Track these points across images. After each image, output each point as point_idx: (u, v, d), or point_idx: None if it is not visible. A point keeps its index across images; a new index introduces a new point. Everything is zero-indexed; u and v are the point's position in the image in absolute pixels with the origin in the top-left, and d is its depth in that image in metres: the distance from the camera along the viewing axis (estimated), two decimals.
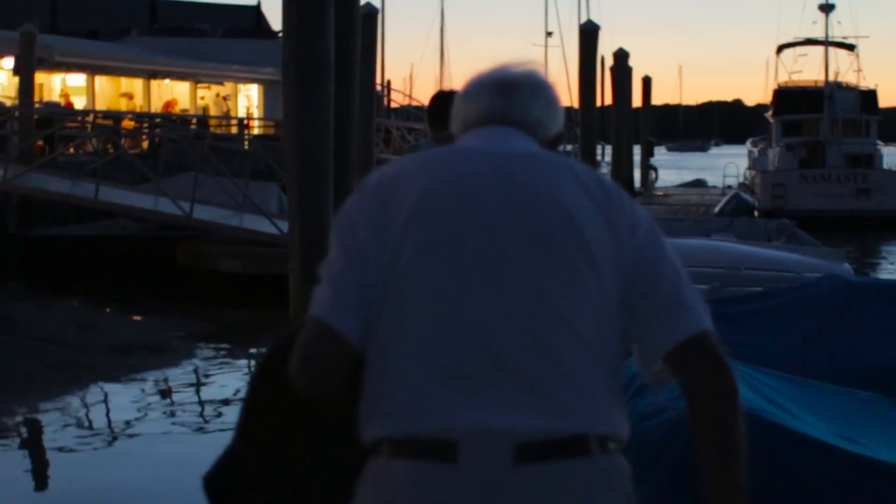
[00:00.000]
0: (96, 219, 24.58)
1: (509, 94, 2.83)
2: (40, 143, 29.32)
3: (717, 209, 21.86)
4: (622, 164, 38.84)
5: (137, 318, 18.90)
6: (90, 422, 11.78)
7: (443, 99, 5.81)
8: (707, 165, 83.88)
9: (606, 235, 2.63)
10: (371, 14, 24.02)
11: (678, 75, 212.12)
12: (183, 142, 27.29)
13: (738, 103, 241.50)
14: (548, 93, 2.88)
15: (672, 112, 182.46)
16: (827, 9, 43.84)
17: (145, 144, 33.78)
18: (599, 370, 2.59)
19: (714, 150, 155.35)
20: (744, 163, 53.66)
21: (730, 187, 46.28)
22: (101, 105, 40.41)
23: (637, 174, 44.98)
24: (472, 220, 2.62)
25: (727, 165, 49.73)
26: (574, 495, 2.50)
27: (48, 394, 12.66)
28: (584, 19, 57.46)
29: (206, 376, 14.21)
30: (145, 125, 36.12)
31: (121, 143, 28.80)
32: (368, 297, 2.60)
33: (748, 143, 54.11)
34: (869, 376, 6.10)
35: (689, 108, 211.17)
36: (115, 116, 36.70)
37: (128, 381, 13.63)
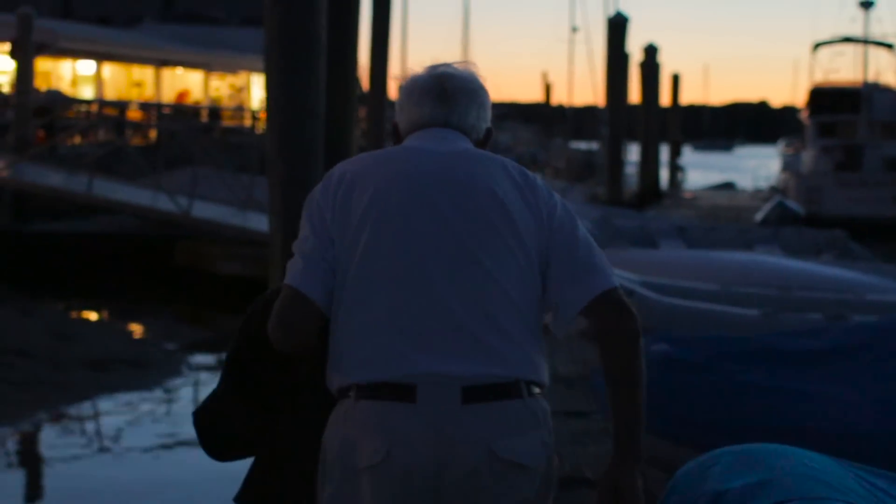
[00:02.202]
0: (96, 214, 23.12)
1: (448, 103, 3.31)
2: (42, 133, 27.88)
3: (759, 217, 20.22)
4: (649, 165, 37.48)
5: (123, 325, 17.53)
6: (50, 458, 10.24)
7: None
8: (733, 166, 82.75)
9: (530, 217, 3.14)
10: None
11: (703, 74, 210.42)
12: (183, 134, 25.80)
13: (763, 104, 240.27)
14: (480, 98, 3.36)
15: (697, 112, 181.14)
16: (867, 6, 42.22)
17: (153, 135, 32.20)
18: (526, 327, 3.10)
19: (739, 151, 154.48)
20: (771, 164, 52.15)
21: (761, 190, 44.79)
22: (110, 94, 39.23)
23: (664, 174, 43.45)
24: (422, 205, 3.12)
25: (758, 167, 48.16)
26: (509, 428, 3.00)
27: (9, 418, 11.24)
28: (610, 13, 56.26)
29: (187, 398, 12.66)
30: (150, 116, 34.56)
31: (120, 135, 27.27)
32: (333, 269, 3.12)
33: (781, 145, 52.45)
34: None
35: (714, 108, 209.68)
36: (119, 106, 35.27)
37: (101, 403, 12.18)
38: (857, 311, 9.70)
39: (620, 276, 10.08)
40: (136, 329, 17.24)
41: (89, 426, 11.31)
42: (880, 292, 11.36)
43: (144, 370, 13.76)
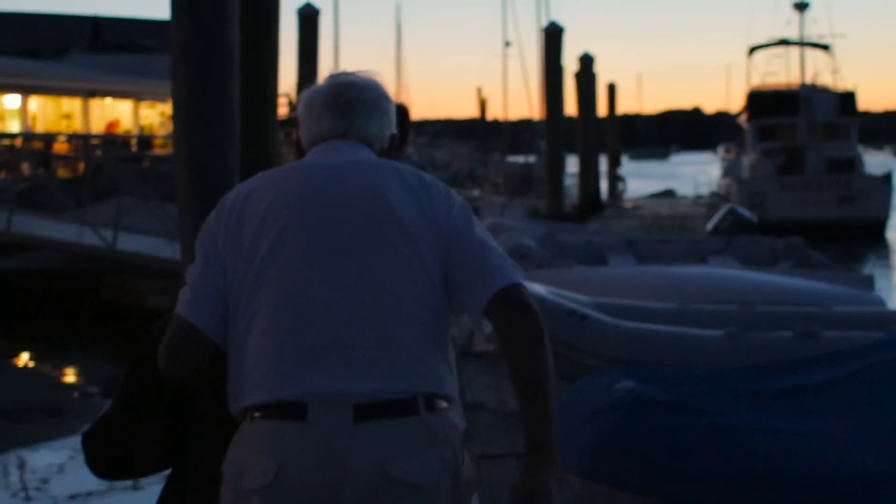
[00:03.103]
0: (21, 251, 22.05)
1: (348, 116, 3.26)
2: None
3: (710, 226, 19.48)
4: (589, 176, 36.89)
5: (43, 369, 16.59)
6: None
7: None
8: (670, 174, 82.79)
9: (425, 224, 3.07)
10: (311, 15, 21.90)
11: (636, 83, 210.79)
12: (109, 164, 24.89)
13: (696, 111, 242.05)
14: (382, 107, 3.31)
15: (631, 121, 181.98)
16: (801, 7, 41.87)
17: (81, 167, 31.20)
18: (425, 337, 3.01)
19: (675, 158, 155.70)
20: (710, 170, 51.79)
21: (701, 196, 44.37)
22: (39, 127, 38.24)
23: (603, 185, 42.89)
24: (311, 221, 3.07)
25: (697, 174, 47.71)
26: (403, 447, 2.90)
27: None
28: (542, 26, 55.74)
29: None
30: (77, 147, 33.54)
31: (47, 169, 26.29)
32: (224, 296, 3.07)
33: (720, 150, 52.17)
34: None
35: (648, 117, 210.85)
36: (46, 138, 34.25)
37: (13, 460, 11.27)
38: (826, 326, 9.03)
39: (570, 298, 9.36)
40: (57, 373, 16.33)
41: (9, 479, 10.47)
42: (847, 303, 10.69)
43: (64, 419, 12.87)
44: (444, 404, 3.01)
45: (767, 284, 11.32)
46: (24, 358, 17.61)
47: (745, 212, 19.24)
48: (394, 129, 3.34)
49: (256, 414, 2.98)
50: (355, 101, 3.25)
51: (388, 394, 2.92)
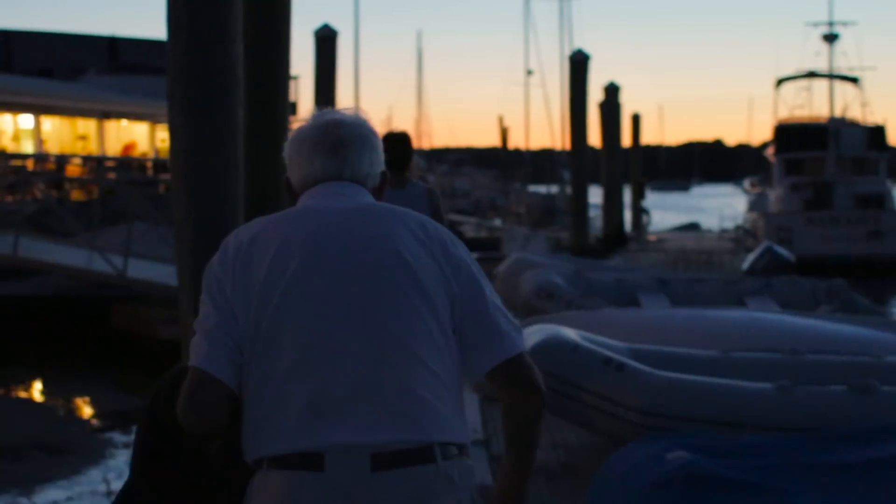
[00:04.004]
0: (30, 276, 21.41)
1: (340, 156, 3.23)
2: None
3: (746, 265, 18.66)
4: (614, 208, 36.20)
5: (47, 401, 15.89)
6: None
7: (392, 141, 6.36)
8: (692, 206, 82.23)
9: (435, 273, 3.08)
10: (328, 37, 21.25)
11: (658, 115, 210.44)
12: (121, 188, 24.32)
13: (718, 142, 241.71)
14: (372, 143, 3.28)
15: (653, 152, 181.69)
16: (831, 39, 41.14)
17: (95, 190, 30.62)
18: (441, 388, 3.02)
19: (696, 190, 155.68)
20: (736, 203, 51.08)
21: (727, 230, 43.66)
22: (53, 148, 37.76)
23: (627, 217, 42.18)
24: (323, 269, 3.03)
25: (723, 207, 46.92)
26: (421, 495, 2.94)
27: None
28: (565, 57, 55.19)
29: (105, 490, 11.02)
30: (91, 170, 32.97)
31: (60, 191, 25.69)
32: (239, 345, 3.02)
33: (745, 183, 51.39)
34: None
35: (670, 149, 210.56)
36: (59, 160, 33.68)
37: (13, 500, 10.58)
38: (880, 377, 8.30)
39: (604, 344, 8.62)
40: (61, 406, 15.64)
41: None
42: None
43: (67, 457, 12.16)
44: (456, 451, 3.04)
45: (812, 330, 10.54)
46: (27, 389, 16.94)
47: (783, 251, 18.39)
48: (383, 166, 3.33)
49: (273, 464, 2.97)
50: (345, 139, 3.23)
51: (404, 444, 2.94)
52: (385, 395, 2.96)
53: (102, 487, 11.12)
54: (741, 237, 39.40)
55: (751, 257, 18.84)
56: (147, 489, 3.25)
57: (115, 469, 11.90)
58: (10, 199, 27.03)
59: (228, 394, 3.02)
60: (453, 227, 30.87)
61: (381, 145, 3.31)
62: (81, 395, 16.34)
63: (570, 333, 8.47)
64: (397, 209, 3.18)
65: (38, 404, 15.88)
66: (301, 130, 3.29)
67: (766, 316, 11.33)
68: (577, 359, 8.11)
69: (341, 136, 3.23)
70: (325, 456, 2.92)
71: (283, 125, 9.48)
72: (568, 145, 38.84)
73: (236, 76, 7.10)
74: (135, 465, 3.29)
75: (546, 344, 8.17)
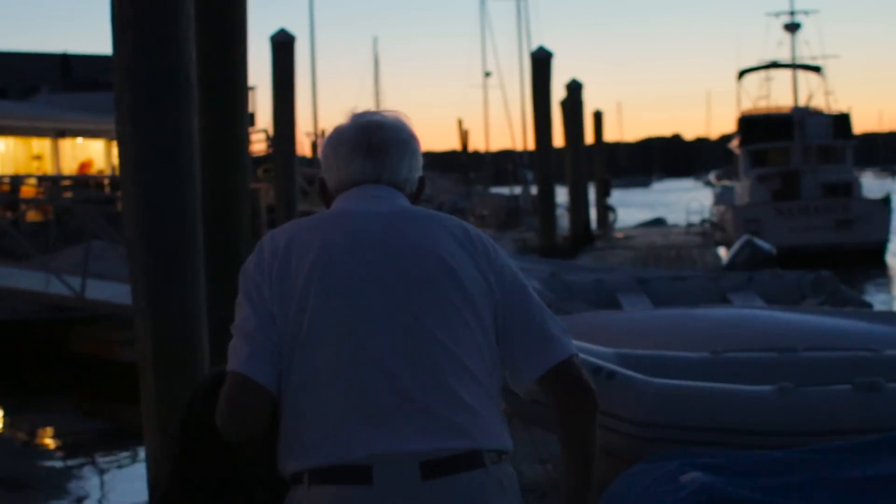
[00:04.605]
0: None
1: (379, 158, 3.14)
2: None
3: (726, 260, 18.20)
4: (580, 207, 35.81)
5: (4, 431, 15.34)
6: None
7: None
8: (655, 201, 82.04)
9: (479, 279, 3.02)
10: (286, 42, 20.71)
11: (617, 112, 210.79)
12: (77, 207, 23.75)
13: (677, 138, 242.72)
14: (411, 148, 3.20)
15: (613, 149, 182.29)
16: (793, 28, 40.88)
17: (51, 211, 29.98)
18: (484, 395, 2.96)
19: (657, 186, 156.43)
20: (696, 196, 50.86)
21: (693, 224, 43.40)
22: (8, 170, 37.04)
23: (593, 215, 41.84)
24: (366, 274, 2.95)
25: (690, 201, 46.65)
26: (474, 500, 2.86)
27: None
28: (524, 57, 54.81)
29: None
30: (47, 190, 32.29)
31: (3, 213, 25.07)
32: (279, 349, 2.93)
33: (711, 177, 51.22)
34: None
35: (629, 145, 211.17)
36: (13, 181, 32.98)
37: None
38: (884, 374, 7.88)
39: (590, 351, 8.17)
40: (20, 436, 15.05)
41: None
42: (894, 344, 9.46)
43: (24, 494, 11.59)
44: (503, 457, 2.98)
45: (804, 326, 10.07)
46: None
47: (763, 243, 17.89)
48: (421, 171, 3.26)
49: (316, 478, 2.86)
50: (385, 142, 3.16)
51: (453, 451, 2.86)
52: (431, 402, 2.89)
53: None
54: (709, 231, 39.16)
55: (731, 251, 18.38)
56: (182, 497, 3.17)
57: (80, 501, 11.35)
58: None
59: (271, 399, 2.93)
60: None
61: (419, 151, 3.23)
62: (42, 424, 15.77)
63: None
64: (438, 214, 3.14)
65: None
66: (339, 131, 3.20)
67: (754, 312, 10.85)
68: None
69: (382, 138, 3.16)
70: (373, 468, 2.82)
71: (242, 133, 8.89)
72: (530, 145, 38.47)
73: (189, 79, 6.53)
74: (171, 476, 3.20)
75: None
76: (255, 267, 3.02)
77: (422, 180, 3.26)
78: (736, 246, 18.31)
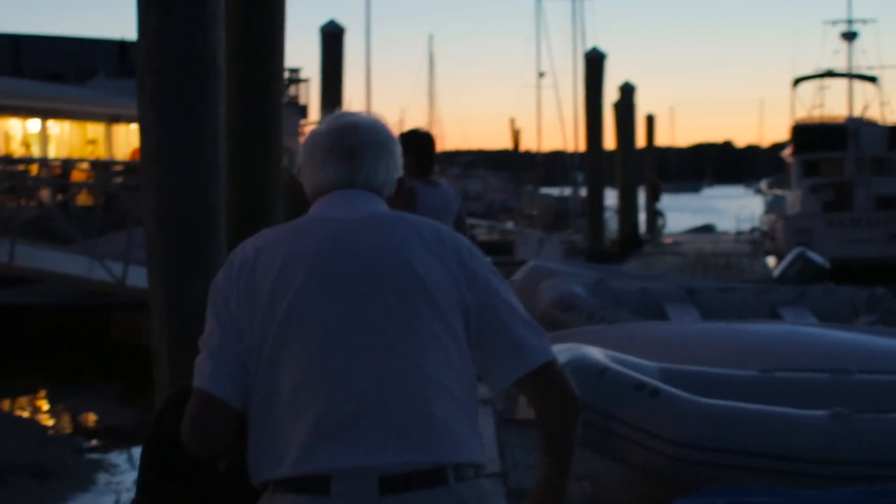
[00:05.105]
0: (33, 283, 20.66)
1: (354, 163, 3.06)
2: None
3: (777, 272, 17.69)
4: (629, 210, 35.40)
5: (36, 417, 15.13)
6: None
7: (425, 142, 6.81)
8: (705, 207, 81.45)
9: (449, 285, 2.91)
10: (335, 34, 20.44)
11: (669, 116, 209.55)
12: (123, 193, 23.65)
13: (728, 145, 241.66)
14: (389, 150, 3.11)
15: (664, 154, 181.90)
16: (850, 37, 40.28)
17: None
18: (455, 406, 2.86)
19: (707, 192, 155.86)
20: (746, 204, 50.29)
21: (742, 232, 42.87)
22: (62, 153, 37.09)
23: (642, 219, 41.38)
24: (331, 283, 2.88)
25: (740, 209, 46.09)
26: None
27: None
28: (578, 58, 54.36)
29: None
30: (98, 175, 32.19)
31: (55, 196, 24.94)
32: (244, 364, 2.88)
33: (762, 185, 50.60)
34: None
35: (680, 150, 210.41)
36: (64, 165, 32.90)
37: None
38: None
39: (632, 364, 7.82)
40: (54, 422, 14.84)
41: None
42: None
43: (51, 482, 11.36)
44: (472, 473, 2.88)
45: (859, 346, 9.66)
46: (17, 404, 16.14)
47: (816, 257, 17.39)
48: (400, 172, 3.17)
49: (279, 487, 2.83)
50: (360, 145, 3.08)
51: (414, 465, 2.79)
52: (393, 415, 2.82)
53: None
54: (758, 240, 38.64)
55: (782, 264, 17.89)
56: None
57: (105, 495, 11.07)
58: (8, 204, 26.32)
59: (233, 415, 2.89)
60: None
61: (398, 151, 3.15)
62: (76, 410, 15.63)
63: (597, 354, 7.63)
64: (409, 217, 3.04)
65: (28, 421, 15.09)
66: (314, 135, 3.13)
67: (807, 330, 10.43)
68: (606, 384, 7.26)
69: (356, 142, 3.08)
70: (332, 479, 2.78)
71: (275, 123, 8.49)
72: (581, 147, 38.05)
73: (216, 63, 6.15)
74: (140, 483, 3.22)
75: (571, 367, 7.28)
76: (223, 280, 2.97)
77: (401, 181, 3.17)
78: (788, 258, 17.82)
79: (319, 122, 3.19)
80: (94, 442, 13.67)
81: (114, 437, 13.76)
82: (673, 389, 7.33)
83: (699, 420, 7.03)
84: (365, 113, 3.17)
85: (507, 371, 2.95)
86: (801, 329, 10.54)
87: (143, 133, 6.29)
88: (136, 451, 12.72)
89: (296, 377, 2.85)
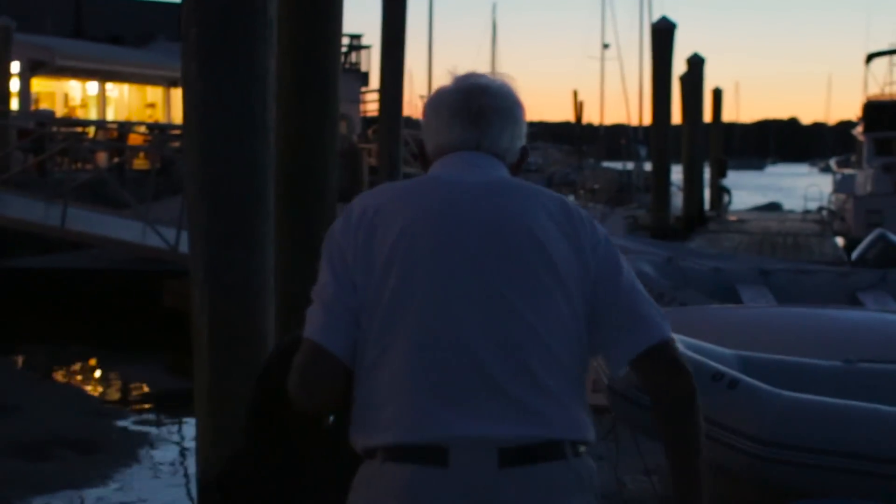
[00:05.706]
0: (87, 247, 20.45)
1: (480, 126, 2.99)
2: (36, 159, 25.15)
3: (855, 255, 17.02)
4: (694, 187, 34.70)
5: (81, 387, 14.80)
6: None
7: None
8: (768, 185, 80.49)
9: (572, 257, 2.85)
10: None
11: (734, 91, 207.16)
12: (178, 157, 23.29)
13: (793, 121, 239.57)
14: (515, 116, 3.04)
15: (729, 129, 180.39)
16: None
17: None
18: (569, 382, 2.81)
19: (770, 169, 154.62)
20: (815, 182, 49.45)
21: (810, 211, 42.03)
22: (120, 115, 36.94)
23: (707, 195, 40.63)
24: (453, 248, 2.82)
25: (808, 187, 45.21)
26: (552, 494, 2.71)
27: None
28: (644, 30, 53.50)
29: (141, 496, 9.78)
30: (155, 139, 31.94)
31: (111, 159, 24.63)
32: (357, 319, 2.81)
33: (832, 163, 49.63)
34: None
35: (744, 126, 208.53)
36: (120, 128, 32.66)
37: None
38: None
39: (708, 352, 7.31)
40: (100, 394, 14.47)
41: None
42: None
43: (92, 457, 10.96)
44: (584, 449, 2.82)
45: None
46: (67, 373, 15.80)
47: None
48: (524, 141, 3.09)
49: (389, 455, 2.73)
50: (488, 108, 3.01)
51: (534, 439, 2.71)
52: (514, 386, 2.74)
53: (130, 497, 9.85)
54: (826, 219, 37.80)
55: (861, 246, 17.18)
56: (255, 459, 3.20)
57: (149, 472, 10.65)
58: (63, 167, 26.05)
59: (343, 369, 2.82)
60: None
61: (523, 119, 3.07)
62: (124, 380, 15.25)
63: None
64: (534, 186, 2.97)
65: (75, 391, 14.72)
66: (441, 93, 3.06)
67: (892, 317, 9.85)
68: None
69: (484, 105, 3.01)
70: (450, 450, 2.69)
71: (331, 86, 7.95)
72: (645, 120, 37.35)
73: (267, 14, 5.66)
74: (245, 432, 3.24)
75: None
76: (341, 231, 2.90)
77: (524, 150, 3.09)
78: (867, 240, 17.10)
79: (444, 82, 3.07)
80: (140, 415, 13.29)
81: (161, 411, 13.39)
82: (752, 381, 6.80)
83: (781, 415, 6.50)
84: (493, 75, 3.09)
85: (631, 344, 2.85)
86: (885, 316, 9.95)
87: (186, 88, 5.84)
88: (180, 426, 12.38)
89: (413, 342, 2.77)
